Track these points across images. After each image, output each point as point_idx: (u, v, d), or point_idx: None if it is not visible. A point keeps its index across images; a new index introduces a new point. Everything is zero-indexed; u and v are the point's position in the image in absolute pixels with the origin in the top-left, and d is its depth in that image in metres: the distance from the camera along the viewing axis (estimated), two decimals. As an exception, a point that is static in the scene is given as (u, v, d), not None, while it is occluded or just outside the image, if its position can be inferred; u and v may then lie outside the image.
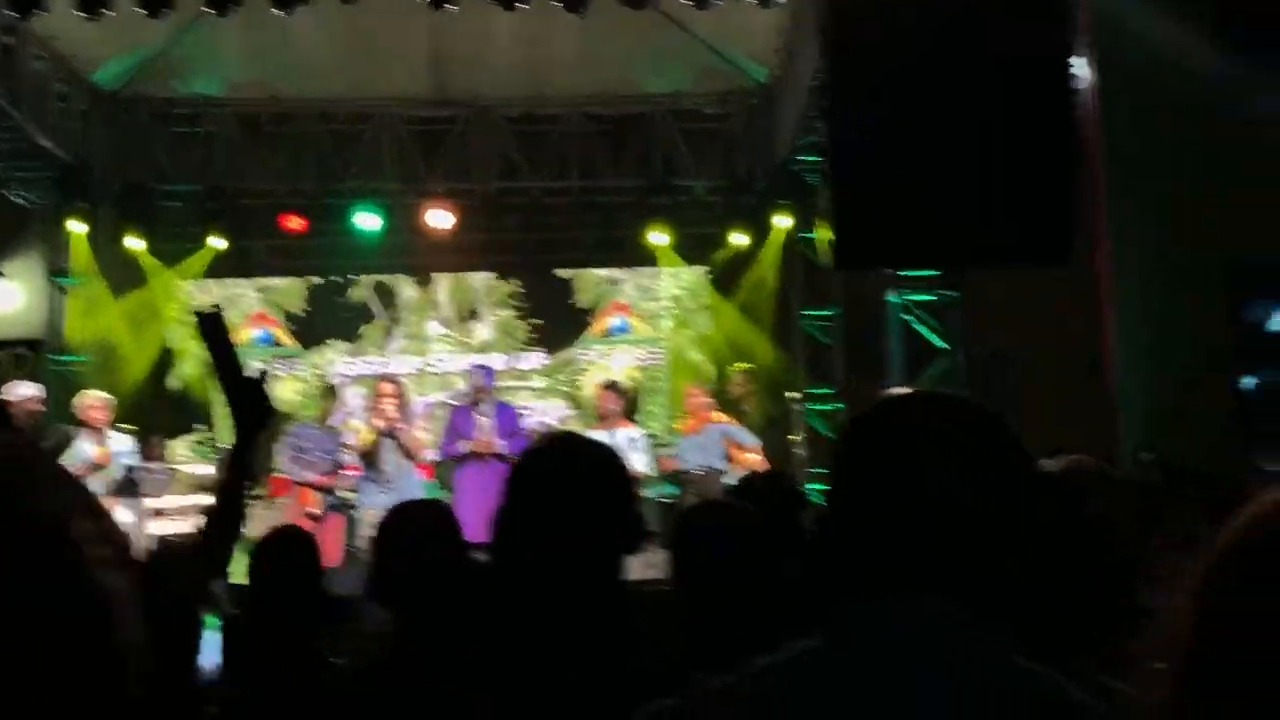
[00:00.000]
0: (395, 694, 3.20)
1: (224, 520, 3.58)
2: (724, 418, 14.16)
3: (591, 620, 2.67)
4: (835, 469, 1.94)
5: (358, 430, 13.73)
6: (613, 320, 17.93)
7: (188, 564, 3.38)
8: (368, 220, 16.74)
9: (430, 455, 14.39)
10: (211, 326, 3.59)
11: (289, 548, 4.49)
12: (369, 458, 13.15)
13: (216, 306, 3.66)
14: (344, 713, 3.46)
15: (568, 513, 2.71)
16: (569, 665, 2.58)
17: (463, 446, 13.31)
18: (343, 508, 13.60)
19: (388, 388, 13.34)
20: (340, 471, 13.70)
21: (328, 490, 13.44)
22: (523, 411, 15.56)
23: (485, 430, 13.24)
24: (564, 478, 2.77)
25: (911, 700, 1.73)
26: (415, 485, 13.19)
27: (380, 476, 13.03)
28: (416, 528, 3.64)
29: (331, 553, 13.29)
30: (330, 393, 14.61)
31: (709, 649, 3.09)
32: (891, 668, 1.76)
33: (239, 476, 3.62)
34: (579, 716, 2.50)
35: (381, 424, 13.03)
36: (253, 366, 3.67)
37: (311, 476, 13.40)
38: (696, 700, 1.86)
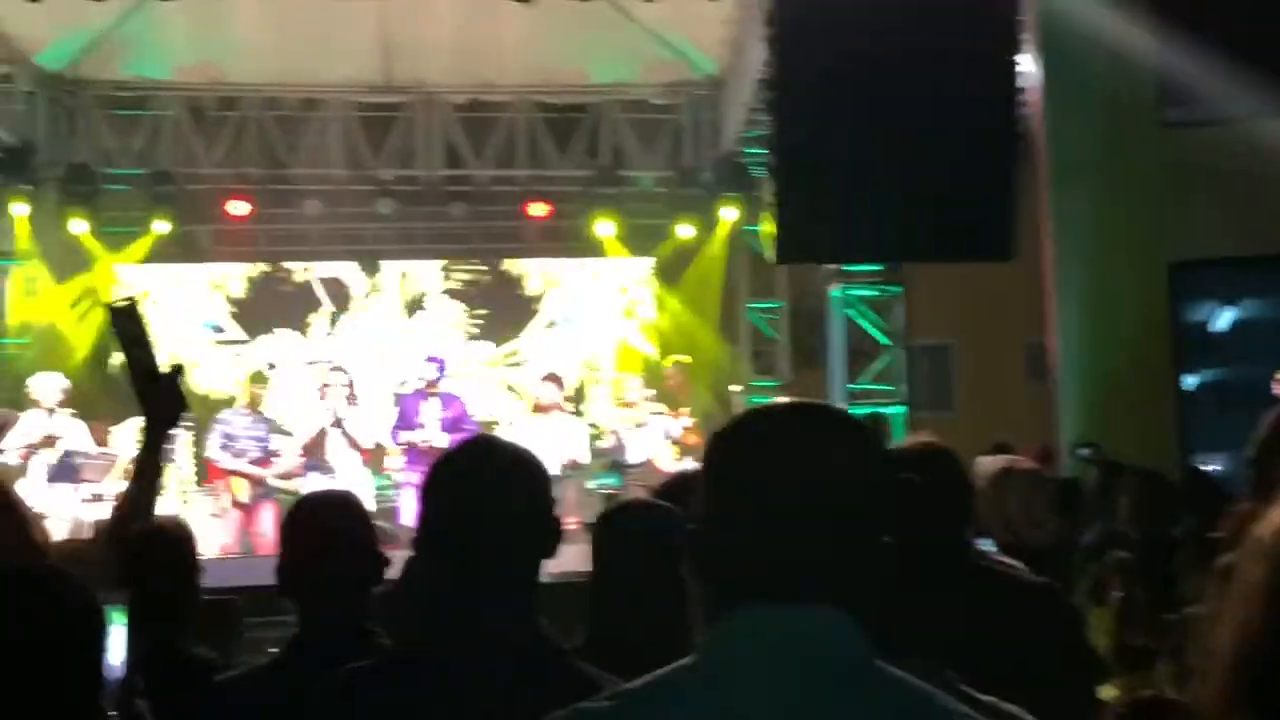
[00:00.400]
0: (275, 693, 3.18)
1: (134, 514, 3.53)
2: (664, 409, 14.17)
3: (497, 625, 2.66)
4: (704, 479, 1.94)
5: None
6: (557, 310, 17.89)
7: (92, 561, 3.34)
8: (313, 206, 16.67)
9: (372, 442, 14.34)
10: (125, 319, 3.51)
11: (156, 545, 4.40)
12: (314, 447, 13.06)
13: (131, 298, 3.59)
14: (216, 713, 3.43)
15: (481, 517, 2.71)
16: (472, 669, 2.58)
17: (401, 436, 13.27)
18: (277, 495, 13.53)
19: (336, 376, 13.25)
20: (273, 459, 13.65)
21: (258, 478, 13.37)
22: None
23: (432, 422, 13.20)
24: (478, 482, 2.76)
25: (779, 713, 1.74)
26: (361, 475, 13.12)
27: (325, 466, 12.96)
28: (320, 519, 3.60)
29: (266, 541, 13.24)
30: (260, 379, 14.45)
31: (606, 645, 3.11)
32: (756, 679, 1.77)
33: (150, 473, 3.57)
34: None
35: (328, 412, 12.95)
36: (167, 362, 3.61)
37: (240, 464, 13.31)
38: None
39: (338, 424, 12.98)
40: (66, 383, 13.39)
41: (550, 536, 2.77)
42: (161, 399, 3.52)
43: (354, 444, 13.10)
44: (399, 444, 13.60)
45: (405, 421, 13.40)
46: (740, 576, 1.84)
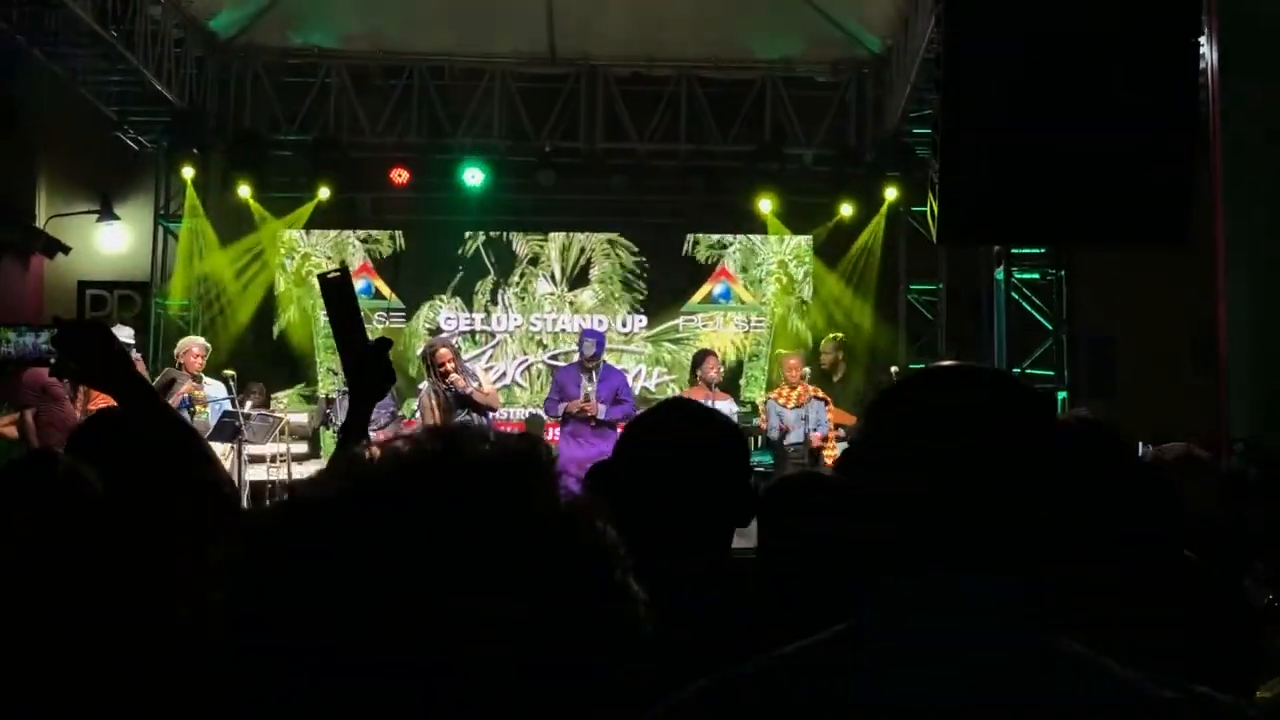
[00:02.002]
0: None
1: None
2: (818, 391, 14.02)
3: (692, 590, 2.60)
4: (865, 443, 1.89)
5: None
6: (716, 286, 17.85)
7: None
8: (474, 177, 16.76)
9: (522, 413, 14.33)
10: (335, 291, 3.50)
11: None
12: (433, 412, 12.94)
13: (341, 269, 3.59)
14: None
15: (683, 480, 2.64)
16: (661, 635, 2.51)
17: (561, 407, 13.25)
18: None
19: (445, 353, 13.14)
20: (402, 425, 13.68)
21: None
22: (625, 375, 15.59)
23: (591, 395, 13.19)
24: (685, 444, 2.69)
25: (946, 679, 1.68)
26: None
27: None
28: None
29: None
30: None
31: (786, 618, 3.04)
32: (924, 647, 1.71)
33: (356, 442, 3.56)
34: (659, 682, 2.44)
35: (446, 386, 12.80)
36: (375, 334, 3.59)
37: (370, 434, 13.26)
38: (727, 684, 1.80)
39: (462, 395, 12.79)
40: (208, 345, 13.48)
41: (746, 505, 2.70)
42: (369, 371, 3.51)
43: (481, 409, 12.91)
44: (554, 415, 13.59)
45: (564, 392, 13.38)
46: (903, 542, 1.78)
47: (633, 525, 2.62)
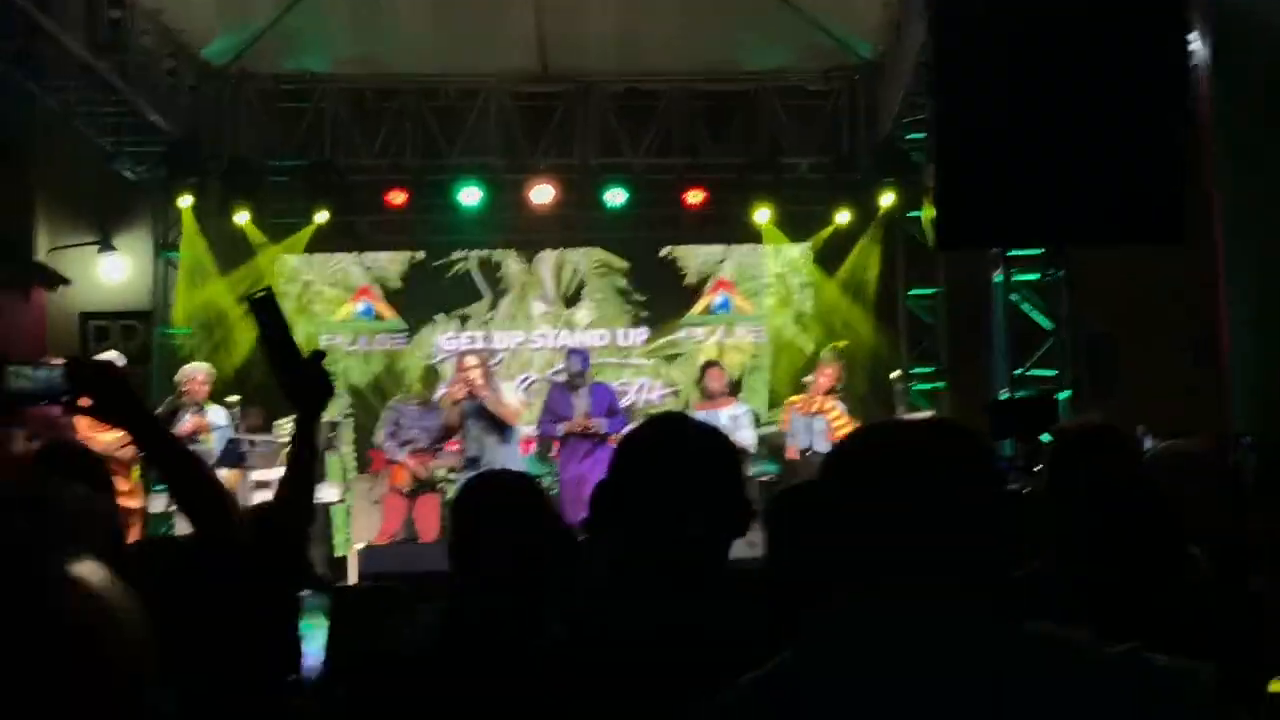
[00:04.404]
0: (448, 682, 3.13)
1: (294, 502, 3.55)
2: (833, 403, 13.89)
3: (692, 605, 2.60)
4: (819, 485, 2.03)
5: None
6: (715, 298, 17.87)
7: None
8: (470, 196, 16.74)
9: (527, 430, 14.46)
10: (263, 310, 3.54)
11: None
12: (452, 431, 13.14)
13: (267, 289, 3.61)
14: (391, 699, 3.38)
15: (677, 494, 2.64)
16: (663, 650, 2.51)
17: (561, 428, 13.28)
18: (441, 485, 13.63)
19: (471, 359, 13.29)
20: (442, 449, 13.76)
21: (419, 469, 13.50)
22: (623, 389, 15.61)
23: (581, 411, 13.22)
24: (675, 459, 2.70)
25: (927, 666, 1.79)
26: (506, 455, 13.01)
27: (468, 451, 12.97)
28: (496, 498, 3.54)
29: (428, 529, 13.35)
30: (431, 372, 14.67)
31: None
32: (903, 644, 1.81)
33: (305, 459, 3.57)
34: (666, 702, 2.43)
35: (462, 393, 12.95)
36: (311, 349, 3.62)
37: (403, 455, 13.47)
38: (735, 694, 1.90)
39: (477, 403, 12.93)
40: (213, 371, 13.51)
41: (742, 516, 2.70)
42: (306, 385, 3.53)
43: (496, 423, 13.02)
44: (549, 435, 13.66)
45: (555, 413, 13.43)
46: (856, 571, 1.89)
47: (636, 541, 2.65)
